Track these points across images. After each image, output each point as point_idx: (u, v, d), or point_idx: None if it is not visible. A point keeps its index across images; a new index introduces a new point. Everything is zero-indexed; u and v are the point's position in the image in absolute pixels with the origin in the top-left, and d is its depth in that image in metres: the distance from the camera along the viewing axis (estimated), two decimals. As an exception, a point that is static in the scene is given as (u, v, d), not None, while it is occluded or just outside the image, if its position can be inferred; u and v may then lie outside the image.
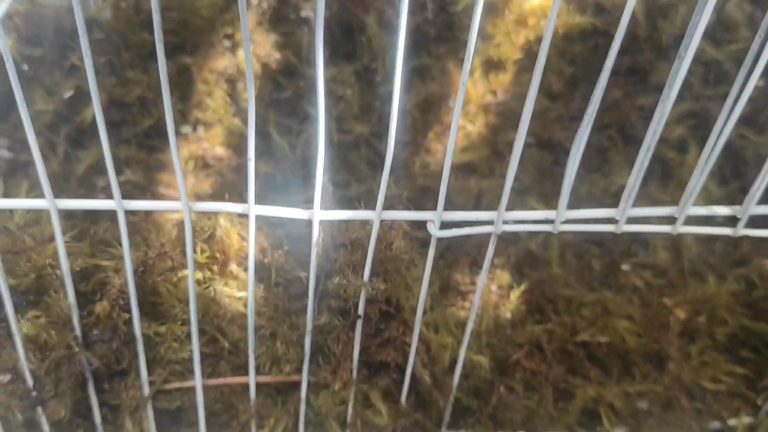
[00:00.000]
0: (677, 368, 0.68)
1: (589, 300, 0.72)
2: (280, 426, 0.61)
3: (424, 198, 0.84)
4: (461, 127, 0.88)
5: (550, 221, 0.51)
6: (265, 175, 0.85)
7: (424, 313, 0.64)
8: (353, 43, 0.88)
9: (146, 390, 0.59)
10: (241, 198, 0.84)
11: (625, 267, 0.77)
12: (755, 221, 0.54)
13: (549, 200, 0.85)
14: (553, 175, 0.87)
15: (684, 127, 0.86)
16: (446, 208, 0.50)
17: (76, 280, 0.54)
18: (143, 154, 0.84)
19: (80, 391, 0.58)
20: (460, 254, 0.76)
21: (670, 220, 0.54)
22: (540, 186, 0.86)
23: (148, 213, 0.72)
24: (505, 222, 0.51)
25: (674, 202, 0.82)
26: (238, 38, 0.86)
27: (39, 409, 0.59)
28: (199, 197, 0.83)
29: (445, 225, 0.51)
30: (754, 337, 0.73)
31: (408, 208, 0.53)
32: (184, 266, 0.57)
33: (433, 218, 0.50)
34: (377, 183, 0.86)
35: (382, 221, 0.51)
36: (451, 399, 0.63)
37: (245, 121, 0.86)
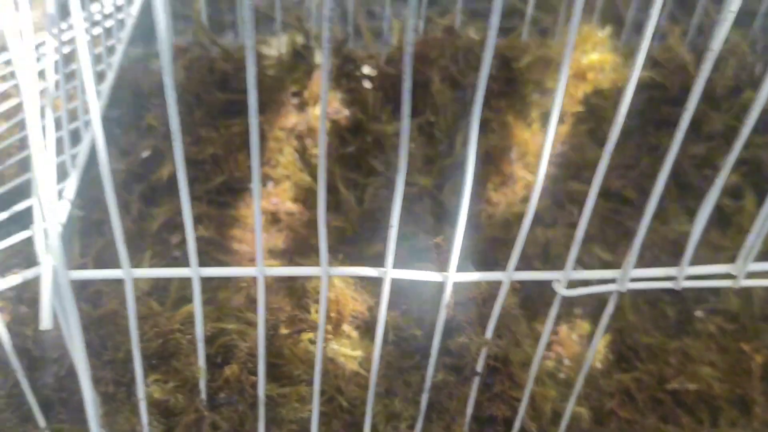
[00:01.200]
0: (764, 412, 0.70)
1: (671, 347, 0.73)
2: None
3: (493, 249, 0.86)
4: (522, 177, 0.91)
5: (672, 278, 0.53)
6: (335, 228, 0.86)
7: (523, 366, 0.65)
8: (415, 98, 0.91)
9: (261, 452, 0.59)
10: (314, 251, 0.86)
11: (698, 313, 0.79)
12: None
13: (613, 248, 0.87)
14: (614, 223, 0.89)
15: (737, 174, 0.89)
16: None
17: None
18: (215, 211, 0.85)
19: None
20: (540, 305, 0.78)
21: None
22: (603, 234, 0.88)
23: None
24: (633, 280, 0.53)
25: (734, 247, 0.85)
26: (306, 96, 0.88)
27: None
28: (272, 253, 0.84)
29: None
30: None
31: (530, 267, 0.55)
32: (303, 328, 0.58)
33: (560, 278, 0.52)
34: (443, 235, 0.88)
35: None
36: (555, 451, 0.64)
37: (313, 176, 0.88)
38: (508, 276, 0.52)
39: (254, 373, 0.55)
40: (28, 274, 0.52)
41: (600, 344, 0.73)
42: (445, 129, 0.91)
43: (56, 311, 0.49)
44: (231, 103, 0.86)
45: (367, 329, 0.62)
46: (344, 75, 0.90)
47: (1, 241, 0.61)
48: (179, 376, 0.56)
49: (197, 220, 0.84)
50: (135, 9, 0.88)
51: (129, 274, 0.50)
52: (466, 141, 0.93)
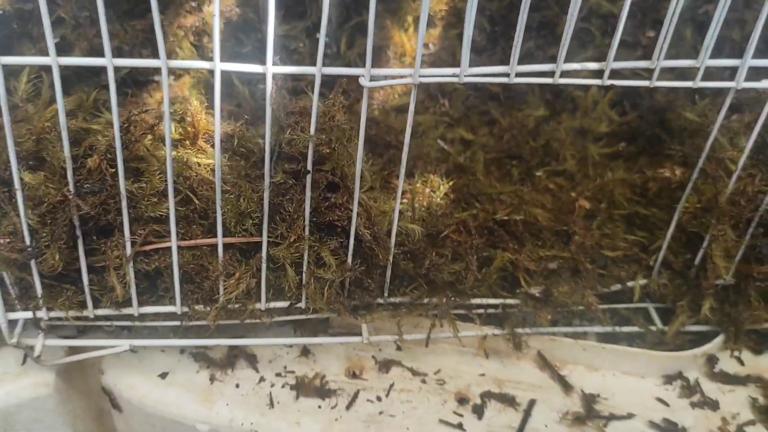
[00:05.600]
0: (581, 239, 0.81)
1: (507, 191, 0.84)
2: (244, 282, 0.72)
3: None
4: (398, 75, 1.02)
5: (456, 75, 0.64)
6: (229, 112, 0.97)
7: (371, 188, 0.76)
8: (304, 4, 1.02)
9: (128, 247, 0.69)
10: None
11: (538, 173, 0.90)
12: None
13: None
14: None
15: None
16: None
17: (70, 144, 0.65)
18: (120, 99, 0.95)
19: (70, 250, 0.68)
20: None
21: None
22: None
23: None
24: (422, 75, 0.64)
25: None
26: (202, -2, 0.99)
27: (33, 264, 0.69)
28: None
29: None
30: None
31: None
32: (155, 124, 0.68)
33: (363, 73, 0.63)
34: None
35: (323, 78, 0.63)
36: (390, 258, 0.74)
37: (211, 72, 0.99)
38: (318, 70, 0.63)
39: (114, 165, 0.65)
40: None
41: (443, 188, 0.84)
42: (330, 30, 1.02)
43: None
44: (136, 2, 0.97)
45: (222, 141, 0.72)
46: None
47: None
48: (49, 167, 0.66)
49: (104, 106, 0.95)
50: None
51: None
52: (350, 43, 1.05)
